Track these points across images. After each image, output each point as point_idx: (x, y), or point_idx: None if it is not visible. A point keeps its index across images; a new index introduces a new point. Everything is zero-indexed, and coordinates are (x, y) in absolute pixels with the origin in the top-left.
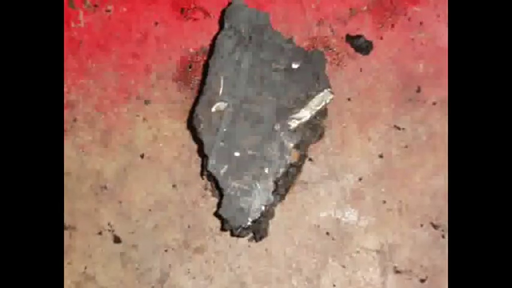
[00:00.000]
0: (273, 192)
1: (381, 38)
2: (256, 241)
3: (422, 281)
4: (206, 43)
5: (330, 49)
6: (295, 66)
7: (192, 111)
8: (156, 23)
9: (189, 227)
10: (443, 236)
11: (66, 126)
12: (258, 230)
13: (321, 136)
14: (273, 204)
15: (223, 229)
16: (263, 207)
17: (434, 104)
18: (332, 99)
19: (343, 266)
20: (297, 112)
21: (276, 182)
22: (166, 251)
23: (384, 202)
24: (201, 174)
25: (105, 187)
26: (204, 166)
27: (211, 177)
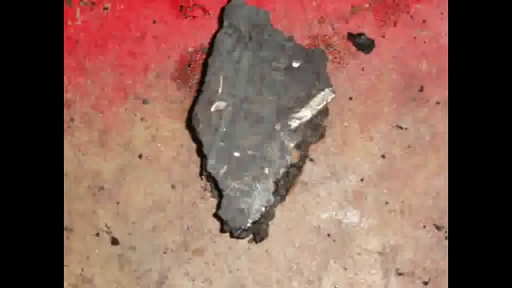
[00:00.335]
0: (273, 193)
1: (383, 36)
2: (256, 243)
3: (425, 283)
4: (205, 42)
5: (331, 47)
6: (295, 65)
7: (191, 111)
8: (155, 21)
9: (188, 228)
10: (446, 238)
11: None
12: (258, 232)
13: (322, 136)
14: (273, 205)
15: (222, 230)
16: (263, 208)
17: (437, 103)
18: (333, 98)
19: (345, 268)
20: (297, 112)
21: (276, 183)
22: (164, 252)
23: (386, 203)
24: (200, 174)
25: (103, 188)
26: (203, 166)
27: (211, 178)
